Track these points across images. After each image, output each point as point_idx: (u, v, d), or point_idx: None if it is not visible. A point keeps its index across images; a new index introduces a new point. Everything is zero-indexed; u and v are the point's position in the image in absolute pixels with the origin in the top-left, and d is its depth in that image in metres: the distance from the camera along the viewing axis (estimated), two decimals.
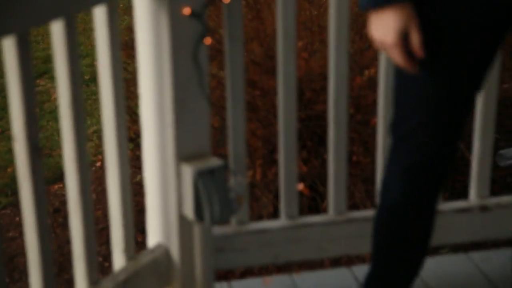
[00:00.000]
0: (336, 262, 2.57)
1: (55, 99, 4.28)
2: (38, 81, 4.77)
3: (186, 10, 1.86)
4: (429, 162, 1.66)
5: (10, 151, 3.73)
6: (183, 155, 1.94)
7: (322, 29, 2.76)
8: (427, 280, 2.21)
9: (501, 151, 2.17)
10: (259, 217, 2.67)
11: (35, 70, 4.85)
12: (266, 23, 2.75)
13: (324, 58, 2.67)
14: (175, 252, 2.02)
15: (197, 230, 2.01)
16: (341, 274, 2.29)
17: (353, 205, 2.63)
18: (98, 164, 3.60)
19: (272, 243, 2.18)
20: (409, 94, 1.63)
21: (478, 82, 1.64)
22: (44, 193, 1.66)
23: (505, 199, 2.30)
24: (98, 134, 3.87)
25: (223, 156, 2.02)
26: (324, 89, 2.66)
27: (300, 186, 2.61)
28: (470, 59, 1.58)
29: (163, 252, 2.03)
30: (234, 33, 2.03)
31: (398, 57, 1.51)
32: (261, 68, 2.71)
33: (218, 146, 2.04)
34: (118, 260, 1.96)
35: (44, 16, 1.58)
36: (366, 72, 2.69)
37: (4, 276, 1.61)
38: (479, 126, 2.22)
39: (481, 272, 2.28)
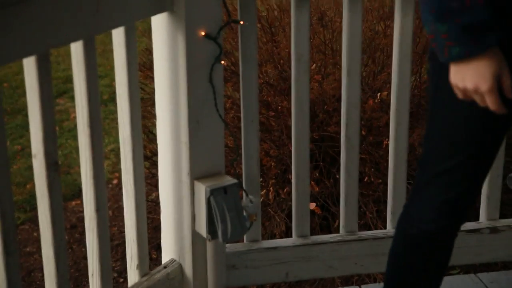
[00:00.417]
0: (347, 280, 2.59)
1: (74, 118, 4.35)
2: (58, 100, 4.84)
3: (202, 32, 1.90)
4: (466, 196, 1.70)
5: (29, 168, 3.79)
6: (197, 174, 1.98)
7: (335, 52, 2.80)
8: None
9: (511, 174, 2.20)
10: (272, 236, 2.70)
11: (56, 89, 4.93)
12: (281, 46, 2.79)
13: (337, 81, 2.71)
14: (188, 268, 2.06)
15: (210, 247, 2.04)
16: None
17: (365, 225, 2.65)
18: (115, 181, 3.65)
19: (283, 261, 2.21)
20: (453, 134, 1.65)
21: None
22: (61, 209, 1.70)
23: None
24: (116, 152, 3.93)
25: (237, 175, 2.05)
26: (336, 111, 2.70)
27: (312, 206, 2.64)
28: None
29: (177, 268, 2.06)
30: (249, 56, 2.08)
31: (493, 102, 1.48)
32: (275, 90, 2.75)
33: (232, 165, 2.08)
34: (133, 276, 2.00)
35: (64, 37, 1.63)
36: (378, 95, 2.73)
37: None
38: None
39: None
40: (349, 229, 2.25)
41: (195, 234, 2.02)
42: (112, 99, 4.48)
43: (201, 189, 1.95)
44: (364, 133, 2.69)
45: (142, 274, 1.99)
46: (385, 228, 2.40)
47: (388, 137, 2.34)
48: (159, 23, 1.93)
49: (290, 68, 2.35)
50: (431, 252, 1.77)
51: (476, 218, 2.35)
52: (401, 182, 2.24)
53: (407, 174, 2.25)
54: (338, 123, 2.63)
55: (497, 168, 2.27)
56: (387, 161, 2.32)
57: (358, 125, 2.19)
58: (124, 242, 2.04)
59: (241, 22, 2.02)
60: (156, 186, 2.76)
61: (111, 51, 1.89)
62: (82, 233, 3.12)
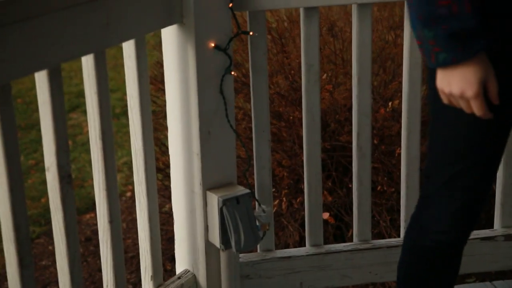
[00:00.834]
0: None
1: (87, 132, 4.37)
2: (71, 114, 4.87)
3: (212, 44, 1.92)
4: (475, 204, 1.69)
5: (43, 183, 3.81)
6: (210, 184, 1.99)
7: (346, 62, 2.80)
8: None
9: None
10: (286, 246, 2.70)
11: (68, 104, 4.96)
12: (291, 57, 2.80)
13: (348, 90, 2.71)
14: (202, 279, 2.06)
15: (223, 257, 2.05)
16: None
17: (378, 234, 2.65)
18: (128, 194, 3.66)
19: (297, 271, 2.21)
20: (456, 140, 1.65)
21: None
22: (75, 221, 1.71)
23: None
24: (129, 165, 3.94)
25: (249, 185, 2.06)
26: (348, 120, 2.70)
27: (326, 215, 2.64)
28: None
29: (190, 279, 2.07)
30: (259, 66, 2.09)
31: (479, 107, 1.49)
32: (286, 100, 2.76)
33: (245, 176, 2.09)
34: (147, 287, 2.01)
35: (75, 51, 1.65)
36: (390, 104, 2.73)
37: None
38: (503, 157, 2.24)
39: None
40: (362, 238, 2.25)
41: (208, 245, 2.02)
42: (124, 112, 4.51)
43: (214, 199, 1.96)
44: (376, 142, 2.69)
45: (157, 285, 2.00)
46: (399, 236, 2.39)
47: (400, 145, 2.34)
48: (169, 36, 1.95)
49: (300, 79, 2.36)
50: (445, 263, 1.76)
51: (490, 225, 2.34)
52: (414, 191, 2.24)
53: (419, 182, 2.25)
54: (349, 133, 2.63)
55: (510, 176, 2.27)
56: (399, 169, 2.32)
57: (370, 134, 2.20)
58: (138, 254, 2.04)
59: (251, 33, 2.04)
60: (169, 197, 2.77)
61: (122, 65, 1.91)
62: (97, 245, 3.13)
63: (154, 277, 1.99)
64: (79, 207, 3.52)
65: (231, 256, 2.06)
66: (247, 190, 1.99)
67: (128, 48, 1.84)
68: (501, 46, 1.53)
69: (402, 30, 2.36)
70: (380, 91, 2.80)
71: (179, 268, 2.11)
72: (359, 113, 2.17)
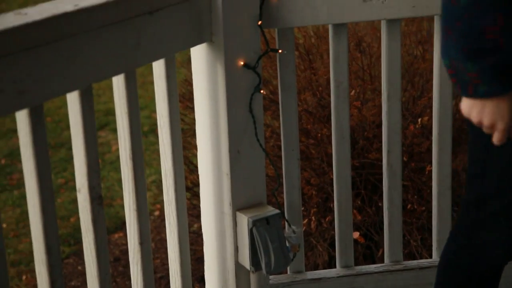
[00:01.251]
0: None
1: (116, 150, 4.38)
2: (99, 132, 4.89)
3: (241, 62, 1.91)
4: None
5: (73, 202, 3.82)
6: (239, 204, 1.98)
7: (374, 78, 2.78)
8: None
9: None
10: (315, 266, 2.67)
11: (97, 122, 4.97)
12: (319, 73, 2.79)
13: (377, 107, 2.69)
14: None
15: (253, 279, 2.03)
16: None
17: (409, 254, 2.61)
18: (157, 213, 3.65)
19: None
20: (508, 168, 1.67)
21: None
22: (106, 243, 1.71)
23: None
24: (157, 183, 3.94)
25: (279, 205, 2.05)
26: (377, 137, 2.67)
27: (356, 235, 2.61)
28: None
29: None
30: (288, 84, 2.08)
31: (502, 139, 1.55)
32: (314, 117, 2.74)
33: (274, 195, 2.07)
34: None
35: (106, 71, 1.65)
36: (419, 120, 2.70)
37: None
38: None
39: None
40: (394, 259, 2.22)
41: (238, 266, 2.01)
42: (152, 130, 4.52)
43: (244, 220, 1.94)
44: (405, 159, 2.66)
45: None
46: (430, 256, 2.36)
47: (430, 162, 2.31)
48: (199, 54, 1.95)
49: (328, 95, 2.34)
50: (495, 285, 1.80)
51: None
52: (446, 209, 2.20)
53: (451, 201, 2.21)
54: (378, 150, 2.60)
55: None
56: (430, 187, 2.29)
57: (400, 152, 2.17)
58: (167, 274, 2.04)
59: (280, 51, 2.03)
60: (197, 217, 2.76)
61: (150, 82, 1.91)
62: (125, 266, 3.13)
63: None
64: (108, 227, 3.52)
65: (261, 278, 2.04)
66: (277, 211, 1.97)
67: (158, 67, 1.84)
68: None
69: (430, 44, 2.34)
70: (409, 107, 2.78)
71: None
72: (389, 130, 2.15)
